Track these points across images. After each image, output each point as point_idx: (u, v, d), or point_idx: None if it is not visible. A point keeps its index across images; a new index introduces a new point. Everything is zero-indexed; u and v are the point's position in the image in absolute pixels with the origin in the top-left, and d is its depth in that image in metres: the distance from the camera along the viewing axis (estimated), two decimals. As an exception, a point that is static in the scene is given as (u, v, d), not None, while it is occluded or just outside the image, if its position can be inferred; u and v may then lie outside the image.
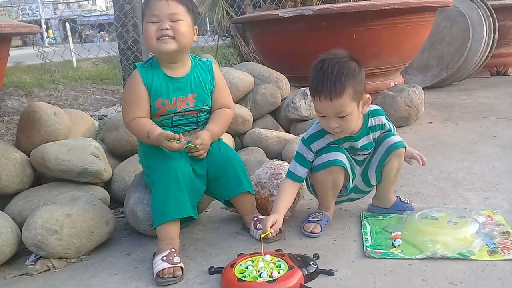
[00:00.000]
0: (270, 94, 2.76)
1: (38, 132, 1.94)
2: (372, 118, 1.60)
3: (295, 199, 1.70)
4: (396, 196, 1.75)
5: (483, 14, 4.31)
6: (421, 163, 1.65)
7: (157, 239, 1.51)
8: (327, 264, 1.40)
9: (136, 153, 2.10)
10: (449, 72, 4.40)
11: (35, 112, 1.95)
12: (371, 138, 1.62)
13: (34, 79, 5.54)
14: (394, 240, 1.49)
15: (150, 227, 1.61)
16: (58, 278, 1.47)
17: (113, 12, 3.86)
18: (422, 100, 3.07)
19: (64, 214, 1.53)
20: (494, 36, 4.36)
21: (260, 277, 1.29)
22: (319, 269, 1.35)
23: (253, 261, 1.37)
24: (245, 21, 3.82)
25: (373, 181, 1.68)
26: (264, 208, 1.74)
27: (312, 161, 1.61)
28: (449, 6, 3.54)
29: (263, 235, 1.42)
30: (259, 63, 3.23)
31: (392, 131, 1.66)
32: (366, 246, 1.48)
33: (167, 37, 1.48)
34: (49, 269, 1.52)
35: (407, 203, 1.73)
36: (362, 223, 1.67)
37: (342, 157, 1.57)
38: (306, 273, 1.31)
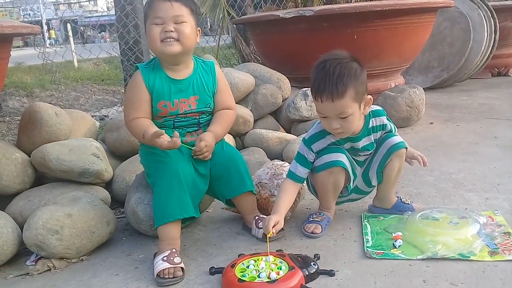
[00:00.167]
0: (271, 94, 2.76)
1: (39, 132, 1.94)
2: (373, 118, 1.60)
3: (295, 199, 1.70)
4: (397, 197, 1.75)
5: (484, 15, 4.31)
6: (422, 163, 1.65)
7: (158, 239, 1.51)
8: (328, 264, 1.40)
9: (137, 153, 2.11)
10: (450, 72, 4.40)
11: (36, 113, 1.96)
12: (372, 139, 1.62)
13: (35, 79, 5.54)
14: (395, 241, 1.49)
15: (151, 227, 1.61)
16: (59, 278, 1.47)
17: (114, 13, 3.87)
18: (423, 100, 3.07)
19: (65, 214, 1.54)
20: (495, 37, 4.36)
21: (259, 277, 1.29)
22: (320, 270, 1.35)
23: (255, 261, 1.37)
24: (246, 21, 3.83)
25: (374, 182, 1.68)
26: (265, 208, 1.74)
27: (313, 162, 1.61)
28: (450, 7, 3.54)
29: (268, 235, 1.43)
30: (260, 64, 3.23)
31: (393, 131, 1.66)
32: (367, 247, 1.48)
33: (172, 39, 1.48)
34: (50, 269, 1.52)
35: (408, 203, 1.73)
36: (363, 223, 1.67)
37: (343, 157, 1.57)
38: (307, 274, 1.31)
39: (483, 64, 4.50)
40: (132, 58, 3.54)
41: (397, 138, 1.62)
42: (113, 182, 2.01)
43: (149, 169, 1.63)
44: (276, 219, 1.48)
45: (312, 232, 1.60)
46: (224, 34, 4.94)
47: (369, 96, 1.52)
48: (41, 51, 3.48)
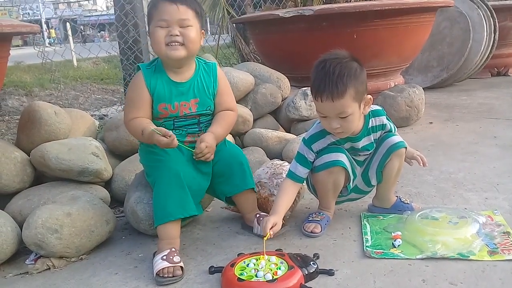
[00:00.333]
0: (271, 94, 2.76)
1: (39, 131, 1.94)
2: (373, 118, 1.60)
3: (295, 199, 1.70)
4: (397, 196, 1.75)
5: (483, 15, 4.31)
6: (421, 163, 1.65)
7: (157, 238, 1.51)
8: (327, 264, 1.40)
9: (137, 152, 2.11)
10: (450, 72, 4.40)
11: (35, 112, 1.95)
12: (372, 139, 1.62)
13: (35, 78, 5.54)
14: (394, 240, 1.49)
15: (150, 226, 1.61)
16: (58, 277, 1.47)
17: (113, 12, 3.87)
18: (422, 100, 3.07)
19: (64, 213, 1.53)
20: (494, 37, 4.36)
21: (256, 276, 1.29)
22: (319, 269, 1.35)
23: (257, 260, 1.37)
24: (246, 21, 3.83)
25: (374, 181, 1.68)
26: (264, 207, 1.74)
27: (313, 162, 1.61)
28: (450, 6, 3.54)
29: (265, 238, 1.42)
30: (260, 63, 3.23)
31: (393, 131, 1.66)
32: (366, 246, 1.48)
33: (177, 44, 1.47)
34: (49, 268, 1.52)
35: (407, 203, 1.73)
36: (362, 223, 1.67)
37: (343, 157, 1.57)
38: (306, 273, 1.31)
39: (483, 63, 4.51)
40: (131, 57, 3.54)
41: (396, 138, 1.62)
42: (113, 181, 2.01)
43: (148, 168, 1.63)
44: (274, 221, 1.47)
45: (311, 232, 1.60)
46: (223, 34, 4.94)
47: (369, 96, 1.52)
48: (40, 50, 3.48)
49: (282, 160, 2.11)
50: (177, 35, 1.46)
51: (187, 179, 1.48)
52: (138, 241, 1.69)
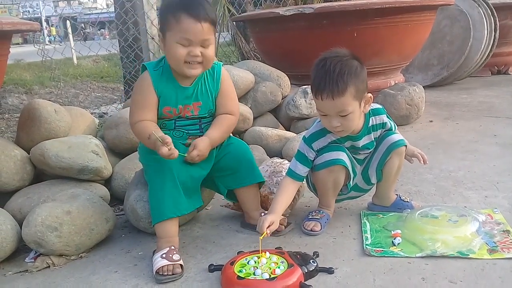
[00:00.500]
0: (271, 92, 2.75)
1: (38, 129, 1.94)
2: (373, 117, 1.60)
3: (295, 197, 1.70)
4: (396, 195, 1.75)
5: (484, 13, 4.30)
6: (422, 161, 1.64)
7: (156, 236, 1.51)
8: (327, 262, 1.40)
9: (136, 150, 2.11)
10: (450, 71, 4.39)
11: (35, 110, 1.95)
12: (372, 137, 1.62)
13: (35, 76, 5.54)
14: (394, 239, 1.49)
15: (150, 224, 1.61)
16: (58, 275, 1.47)
17: (113, 10, 3.86)
18: (422, 98, 3.07)
19: (64, 211, 1.53)
20: (495, 35, 4.35)
21: (254, 274, 1.29)
22: (319, 267, 1.35)
23: (258, 257, 1.37)
24: (246, 19, 3.82)
25: (373, 180, 1.68)
26: (264, 206, 1.74)
27: (313, 160, 1.61)
28: (450, 4, 3.53)
29: (261, 237, 1.41)
30: (260, 61, 3.22)
31: (393, 129, 1.66)
32: (366, 245, 1.48)
33: (196, 63, 1.46)
34: (49, 266, 1.52)
35: (407, 201, 1.73)
36: (362, 221, 1.67)
37: (343, 156, 1.57)
38: (306, 271, 1.31)
39: (483, 62, 4.50)
40: (131, 55, 3.54)
41: (396, 136, 1.61)
42: (112, 179, 2.01)
43: (146, 167, 1.63)
44: (272, 219, 1.46)
45: (311, 230, 1.60)
46: (224, 32, 4.93)
47: (369, 94, 1.51)
48: (40, 48, 3.48)
49: (282, 158, 2.11)
50: (198, 55, 1.44)
51: (182, 177, 1.47)
52: (137, 239, 1.69)
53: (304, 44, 3.09)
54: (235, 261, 1.37)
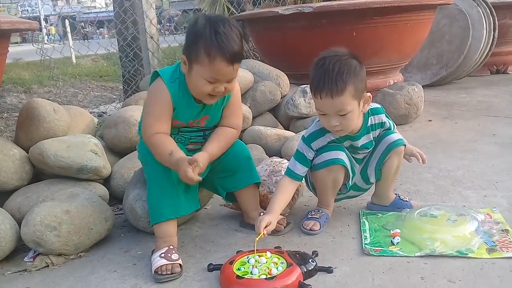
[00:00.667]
0: (270, 91, 2.75)
1: (37, 128, 1.93)
2: (372, 116, 1.60)
3: (294, 196, 1.70)
4: (395, 194, 1.75)
5: (483, 12, 4.30)
6: (421, 161, 1.65)
7: (155, 236, 1.51)
8: (326, 261, 1.40)
9: (135, 150, 2.10)
10: (449, 70, 4.39)
11: (34, 109, 1.95)
12: (371, 137, 1.62)
13: (33, 75, 5.54)
14: (393, 238, 1.49)
15: (149, 224, 1.61)
16: (57, 274, 1.47)
17: (112, 9, 3.86)
18: (421, 98, 3.07)
19: (63, 211, 1.53)
20: (494, 34, 4.36)
21: (251, 273, 1.29)
22: (318, 267, 1.35)
23: (260, 256, 1.37)
24: (245, 18, 3.82)
25: (372, 179, 1.68)
26: (263, 205, 1.73)
27: (312, 160, 1.61)
28: (449, 4, 3.54)
29: (257, 238, 1.40)
30: (259, 61, 3.22)
31: (392, 129, 1.65)
32: (365, 244, 1.48)
33: (218, 95, 1.45)
34: (48, 266, 1.52)
35: (406, 201, 1.73)
36: (361, 220, 1.67)
37: (342, 155, 1.57)
38: (305, 270, 1.31)
39: (482, 61, 4.51)
40: (130, 54, 3.54)
41: (395, 136, 1.61)
42: (111, 178, 2.01)
43: (146, 166, 1.62)
44: (269, 220, 1.46)
45: (310, 229, 1.60)
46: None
47: (368, 94, 1.51)
48: (39, 47, 3.47)
49: (281, 157, 2.11)
50: (223, 91, 1.43)
51: (179, 178, 1.45)
52: (136, 238, 1.69)
53: (303, 43, 3.09)
54: (234, 260, 1.37)
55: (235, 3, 4.51)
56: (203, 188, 1.68)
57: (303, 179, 1.66)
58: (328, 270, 1.34)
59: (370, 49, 3.07)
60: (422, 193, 1.90)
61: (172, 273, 1.37)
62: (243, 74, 2.67)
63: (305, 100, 2.68)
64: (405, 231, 1.52)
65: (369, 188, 1.75)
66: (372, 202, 1.77)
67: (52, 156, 1.79)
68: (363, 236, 1.54)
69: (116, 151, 2.23)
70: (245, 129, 2.54)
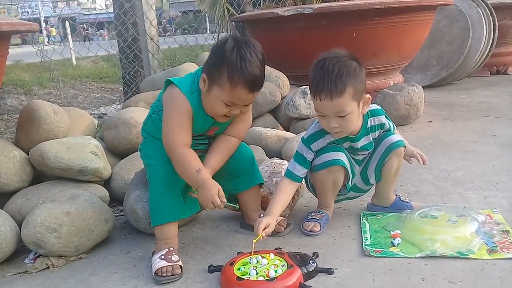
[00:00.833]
0: (270, 92, 2.75)
1: (38, 130, 1.93)
2: (371, 118, 1.60)
3: (294, 197, 1.70)
4: (396, 195, 1.75)
5: (483, 13, 4.30)
6: (421, 162, 1.64)
7: (156, 238, 1.50)
8: (327, 262, 1.40)
9: (135, 151, 2.10)
10: (449, 71, 4.39)
11: (34, 110, 1.95)
12: (371, 138, 1.62)
13: (34, 77, 5.54)
14: (394, 239, 1.49)
15: (149, 225, 1.60)
16: (57, 276, 1.47)
17: (112, 10, 3.86)
18: (421, 99, 3.07)
19: (63, 212, 1.53)
20: (494, 35, 4.36)
21: (249, 274, 1.29)
22: (319, 268, 1.35)
23: (263, 257, 1.37)
24: (245, 19, 3.82)
25: (372, 180, 1.68)
26: (264, 207, 1.73)
27: (312, 161, 1.61)
28: (449, 5, 3.54)
29: (254, 240, 1.40)
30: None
31: (392, 130, 1.66)
32: (366, 245, 1.48)
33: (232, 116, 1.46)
34: (48, 267, 1.52)
35: (406, 202, 1.73)
36: (361, 221, 1.67)
37: (342, 156, 1.57)
38: (306, 272, 1.31)
39: (482, 62, 4.50)
40: (130, 55, 3.54)
41: (395, 137, 1.61)
42: (112, 180, 2.01)
43: (148, 167, 1.61)
44: (267, 222, 1.46)
45: (310, 230, 1.60)
46: (223, 32, 4.93)
47: (368, 95, 1.51)
48: (39, 48, 3.48)
49: (282, 158, 2.11)
50: (238, 113, 1.45)
51: (183, 181, 1.45)
52: (137, 240, 1.69)
53: (303, 44, 3.09)
54: (234, 261, 1.37)
55: (235, 4, 4.51)
56: None
57: (303, 180, 1.66)
58: (329, 271, 1.34)
59: (370, 50, 3.07)
60: (422, 194, 1.90)
61: (172, 275, 1.37)
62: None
63: (305, 101, 2.68)
64: (405, 232, 1.52)
65: (369, 189, 1.75)
66: (373, 203, 1.77)
67: (53, 158, 1.79)
68: (363, 237, 1.54)
69: (116, 153, 2.23)
70: (245, 130, 2.54)
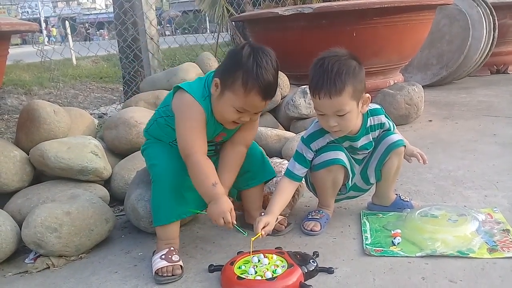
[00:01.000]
0: (270, 92, 2.75)
1: (38, 130, 1.94)
2: (371, 117, 1.60)
3: (295, 197, 1.70)
4: (396, 194, 1.75)
5: (483, 12, 4.30)
6: (421, 161, 1.64)
7: (157, 237, 1.50)
8: (327, 262, 1.40)
9: (136, 151, 2.11)
10: (449, 70, 4.39)
11: (34, 110, 1.95)
12: (371, 138, 1.62)
13: (34, 77, 5.54)
14: (394, 238, 1.49)
15: (150, 224, 1.61)
16: (58, 276, 1.47)
17: (112, 10, 3.86)
18: (422, 98, 3.07)
19: (64, 212, 1.53)
20: (494, 34, 4.36)
21: (248, 273, 1.30)
22: (319, 267, 1.35)
23: (265, 257, 1.37)
24: (245, 19, 3.82)
25: (372, 180, 1.68)
26: (264, 206, 1.73)
27: (312, 160, 1.61)
28: (449, 4, 3.54)
29: (253, 239, 1.39)
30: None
31: (392, 129, 1.65)
32: (366, 244, 1.48)
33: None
34: (49, 267, 1.52)
35: (407, 201, 1.73)
36: (361, 221, 1.67)
37: (342, 155, 1.57)
38: (306, 271, 1.31)
39: (482, 61, 4.51)
40: (130, 55, 3.54)
41: (395, 136, 1.61)
42: (112, 180, 2.01)
43: (152, 167, 1.58)
44: (267, 220, 1.46)
45: (311, 230, 1.60)
46: (223, 32, 4.93)
47: (367, 95, 1.51)
48: (39, 48, 3.48)
49: (282, 158, 2.11)
50: (247, 121, 1.45)
51: (187, 180, 1.44)
52: (137, 239, 1.69)
53: (303, 44, 3.09)
54: (235, 261, 1.37)
55: (235, 4, 4.51)
56: None
57: (303, 179, 1.66)
58: (329, 270, 1.34)
59: (370, 49, 3.07)
60: (422, 193, 1.90)
61: (173, 275, 1.37)
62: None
63: (305, 101, 2.68)
64: (406, 232, 1.52)
65: (369, 189, 1.75)
66: (373, 202, 1.77)
67: (53, 158, 1.79)
68: (363, 236, 1.54)
69: (117, 153, 2.23)
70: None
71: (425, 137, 2.75)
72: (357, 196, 1.78)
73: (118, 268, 1.49)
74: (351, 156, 1.64)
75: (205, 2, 4.40)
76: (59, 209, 1.54)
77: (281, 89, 2.86)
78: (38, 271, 1.50)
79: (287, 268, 1.31)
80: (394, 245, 1.46)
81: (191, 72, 3.03)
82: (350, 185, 1.66)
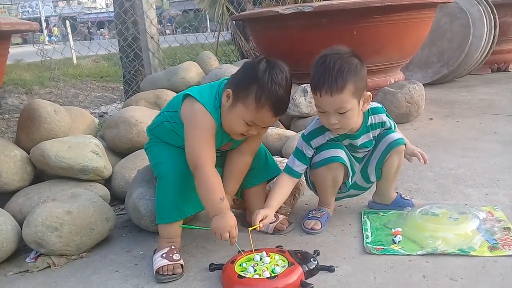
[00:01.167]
0: (270, 91, 2.75)
1: (38, 129, 1.94)
2: (372, 116, 1.59)
3: (295, 195, 1.69)
4: (397, 193, 1.75)
5: (483, 11, 4.30)
6: (422, 160, 1.63)
7: (158, 235, 1.51)
8: (328, 260, 1.40)
9: (136, 150, 2.11)
10: (450, 68, 4.39)
11: (35, 110, 1.95)
12: (371, 136, 1.62)
13: (34, 76, 5.55)
14: (395, 236, 1.49)
15: (152, 222, 1.61)
16: (59, 275, 1.47)
17: (113, 10, 3.87)
18: (422, 96, 3.07)
19: (64, 211, 1.53)
20: (494, 33, 4.35)
21: (247, 271, 1.30)
22: (320, 266, 1.35)
23: (267, 255, 1.37)
24: (245, 18, 3.82)
25: (373, 178, 1.67)
26: (264, 205, 1.74)
27: (311, 157, 1.61)
28: (450, 2, 3.53)
29: (251, 229, 1.41)
30: (259, 60, 3.21)
31: (393, 128, 1.65)
32: (367, 243, 1.48)
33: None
34: (50, 266, 1.52)
35: (407, 199, 1.73)
36: (362, 219, 1.67)
37: (341, 153, 1.57)
38: (307, 270, 1.31)
39: (483, 59, 4.50)
40: (131, 54, 3.54)
41: (396, 135, 1.61)
42: (113, 179, 2.01)
43: (157, 165, 1.56)
44: (265, 213, 1.46)
45: (311, 228, 1.60)
46: (223, 31, 4.94)
47: (369, 93, 1.51)
48: (40, 48, 3.48)
49: (282, 157, 2.11)
50: (255, 134, 1.45)
51: (185, 180, 1.44)
52: (138, 238, 1.69)
53: (304, 42, 3.08)
54: (235, 260, 1.37)
55: (235, 3, 4.51)
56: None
57: (303, 177, 1.66)
58: (330, 269, 1.34)
59: (371, 48, 3.07)
60: (423, 192, 1.89)
61: (173, 274, 1.37)
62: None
63: (305, 100, 2.68)
64: (406, 230, 1.52)
65: (370, 187, 1.75)
66: (374, 200, 1.77)
67: (53, 157, 1.79)
68: (364, 235, 1.54)
69: (117, 152, 2.23)
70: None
71: (426, 135, 2.75)
72: (358, 195, 1.78)
73: (119, 267, 1.49)
74: (351, 154, 1.63)
75: (205, 1, 4.41)
76: (60, 208, 1.54)
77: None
78: (39, 270, 1.51)
79: (288, 266, 1.31)
80: (395, 243, 1.46)
81: (191, 71, 3.03)
82: (350, 183, 1.66)
